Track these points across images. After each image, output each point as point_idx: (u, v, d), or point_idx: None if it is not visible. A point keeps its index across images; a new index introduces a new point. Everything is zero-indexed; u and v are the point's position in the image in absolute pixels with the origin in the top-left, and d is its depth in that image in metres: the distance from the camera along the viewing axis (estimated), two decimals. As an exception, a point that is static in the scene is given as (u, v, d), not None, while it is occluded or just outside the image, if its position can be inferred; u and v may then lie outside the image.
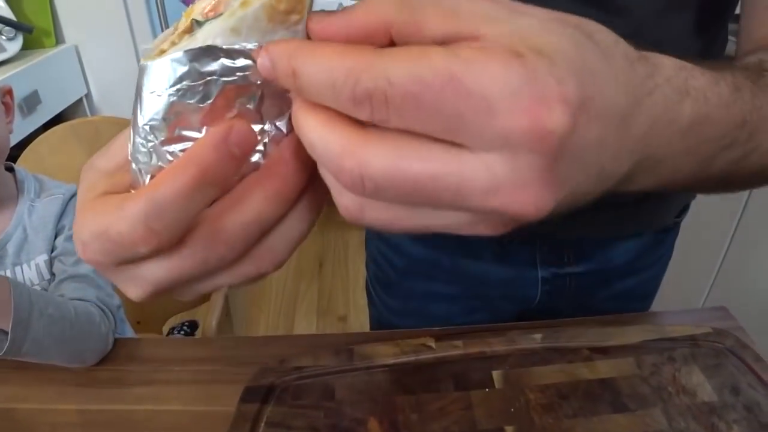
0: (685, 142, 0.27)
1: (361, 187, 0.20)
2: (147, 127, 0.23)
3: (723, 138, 0.29)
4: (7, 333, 0.54)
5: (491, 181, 0.19)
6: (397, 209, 0.21)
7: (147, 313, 1.01)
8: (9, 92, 0.70)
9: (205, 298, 0.95)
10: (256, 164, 0.24)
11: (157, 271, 0.24)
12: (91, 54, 1.76)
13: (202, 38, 0.22)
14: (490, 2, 0.20)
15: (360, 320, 1.89)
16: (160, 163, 0.23)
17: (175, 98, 0.22)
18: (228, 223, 0.22)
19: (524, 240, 0.65)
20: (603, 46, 0.21)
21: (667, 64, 0.25)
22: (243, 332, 1.06)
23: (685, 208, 0.71)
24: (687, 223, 0.73)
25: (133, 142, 0.24)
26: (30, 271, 0.68)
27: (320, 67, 0.19)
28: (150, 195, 0.21)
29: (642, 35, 0.41)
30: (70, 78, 1.73)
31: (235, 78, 0.22)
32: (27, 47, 1.62)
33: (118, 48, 1.75)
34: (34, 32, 1.65)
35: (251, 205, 0.23)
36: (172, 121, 0.22)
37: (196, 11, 0.23)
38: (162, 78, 0.22)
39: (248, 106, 0.23)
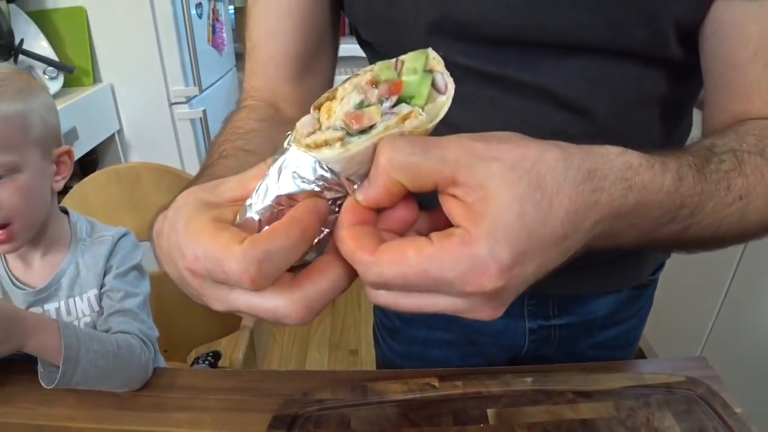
0: (628, 221, 0.35)
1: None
2: (280, 197, 0.32)
3: (663, 216, 0.38)
4: (58, 367, 0.63)
5: (457, 308, 0.31)
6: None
7: (174, 342, 1.09)
8: (69, 153, 0.79)
9: (232, 328, 1.04)
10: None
11: (242, 301, 0.32)
12: (125, 92, 1.86)
13: (349, 156, 0.30)
14: (468, 150, 0.30)
15: (370, 354, 1.95)
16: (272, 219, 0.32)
17: (309, 187, 0.31)
18: (309, 288, 0.32)
19: None
20: (549, 189, 0.30)
21: (615, 170, 0.33)
22: (260, 362, 1.14)
23: (660, 266, 0.78)
24: (685, 276, 0.80)
25: (260, 195, 0.32)
26: (82, 304, 0.77)
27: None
28: (265, 246, 0.29)
29: (608, 133, 0.50)
30: (104, 115, 1.83)
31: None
32: (67, 85, 1.73)
33: (150, 88, 1.86)
34: (74, 71, 1.77)
35: (330, 276, 0.32)
36: (297, 196, 0.32)
37: (338, 113, 0.31)
38: (307, 169, 0.31)
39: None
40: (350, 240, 0.31)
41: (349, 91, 0.32)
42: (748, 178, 0.43)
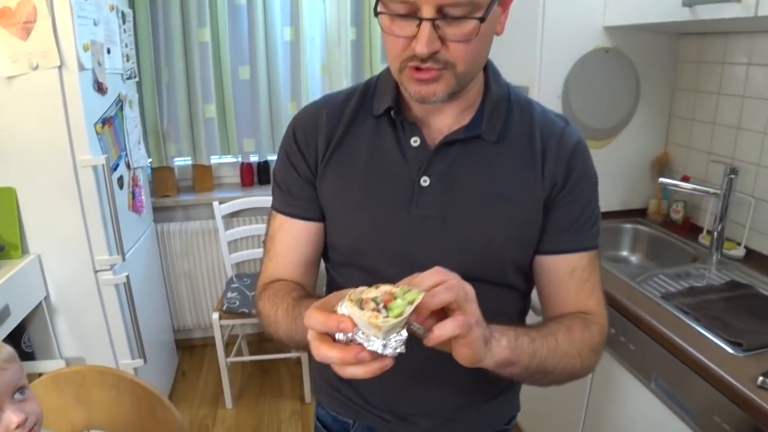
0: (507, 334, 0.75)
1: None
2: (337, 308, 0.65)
3: (519, 336, 0.78)
4: None
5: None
6: None
7: None
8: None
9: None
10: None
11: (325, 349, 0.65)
12: (52, 262, 2.03)
13: (352, 312, 0.62)
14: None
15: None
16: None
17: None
18: (326, 351, 0.65)
19: None
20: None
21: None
22: None
23: (512, 418, 1.11)
24: None
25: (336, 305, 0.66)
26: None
27: None
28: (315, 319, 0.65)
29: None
30: (33, 285, 1.98)
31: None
32: (-5, 259, 1.89)
33: (76, 257, 2.03)
34: (4, 248, 1.93)
35: (333, 353, 0.64)
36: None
37: (368, 293, 0.64)
38: (344, 308, 0.65)
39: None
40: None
41: (380, 290, 0.65)
42: (550, 328, 0.86)
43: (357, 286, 0.74)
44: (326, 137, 0.95)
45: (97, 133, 2.02)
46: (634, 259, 2.15)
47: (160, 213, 2.93)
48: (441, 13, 0.75)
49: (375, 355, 0.63)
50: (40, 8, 1.81)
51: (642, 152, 2.24)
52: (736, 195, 1.85)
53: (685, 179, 2.10)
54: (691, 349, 1.28)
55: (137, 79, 2.60)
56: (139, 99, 2.64)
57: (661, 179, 1.95)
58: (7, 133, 1.88)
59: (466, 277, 0.83)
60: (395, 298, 0.64)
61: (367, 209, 0.92)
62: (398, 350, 0.64)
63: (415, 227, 0.90)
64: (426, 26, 0.75)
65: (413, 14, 0.76)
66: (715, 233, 1.82)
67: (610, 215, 2.24)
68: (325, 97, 1.02)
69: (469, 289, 0.70)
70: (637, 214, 2.25)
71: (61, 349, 2.14)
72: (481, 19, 0.76)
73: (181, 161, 3.03)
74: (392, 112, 0.92)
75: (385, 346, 0.63)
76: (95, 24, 2.02)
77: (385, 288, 0.66)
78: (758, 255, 1.82)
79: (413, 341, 0.66)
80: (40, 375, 1.94)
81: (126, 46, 2.39)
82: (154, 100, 2.78)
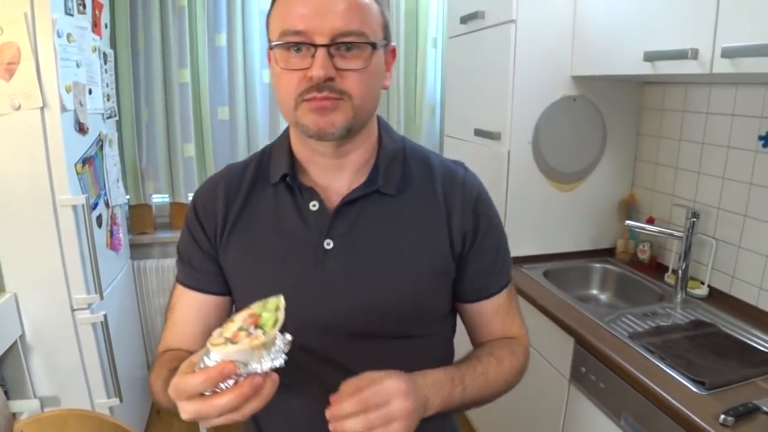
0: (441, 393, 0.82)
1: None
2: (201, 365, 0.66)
3: (453, 389, 0.85)
4: None
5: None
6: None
7: None
8: None
9: None
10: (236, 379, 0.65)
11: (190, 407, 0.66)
12: (29, 300, 2.02)
13: (228, 351, 0.64)
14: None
15: None
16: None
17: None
18: (221, 400, 0.65)
19: None
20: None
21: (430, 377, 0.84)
22: None
23: None
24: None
25: (198, 364, 0.67)
26: None
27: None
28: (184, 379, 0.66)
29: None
30: (8, 323, 1.97)
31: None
32: (-29, 300, 1.88)
33: (53, 296, 2.03)
34: (-20, 287, 1.93)
35: (230, 398, 0.64)
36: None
37: (229, 330, 0.67)
38: (212, 357, 0.65)
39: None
40: None
41: (237, 319, 0.69)
42: (483, 364, 0.94)
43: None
44: (224, 209, 0.96)
45: (78, 173, 2.04)
46: (603, 297, 2.22)
47: (137, 250, 2.93)
48: (334, 41, 0.80)
49: (263, 376, 0.66)
50: (24, 50, 1.85)
51: (609, 194, 2.33)
52: (699, 236, 1.94)
53: (650, 221, 2.19)
54: (656, 388, 1.34)
55: (117, 118, 2.63)
56: (118, 138, 2.67)
57: (628, 221, 2.04)
58: (-13, 172, 1.89)
59: (384, 336, 0.92)
60: (260, 316, 0.69)
61: (273, 278, 0.93)
62: (283, 355, 0.68)
63: (322, 291, 0.91)
64: (321, 52, 0.80)
65: (308, 43, 0.81)
66: (680, 272, 1.90)
67: (579, 255, 2.32)
68: (225, 169, 1.03)
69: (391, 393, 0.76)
70: (606, 254, 2.34)
71: (35, 388, 2.11)
72: (373, 45, 0.83)
73: (159, 198, 3.05)
74: (288, 178, 0.94)
75: (273, 359, 0.67)
76: (78, 66, 2.05)
77: (241, 315, 0.69)
78: (720, 294, 1.90)
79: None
80: (14, 415, 1.92)
81: (107, 85, 2.42)
82: (133, 138, 2.81)
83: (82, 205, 2.01)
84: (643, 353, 1.49)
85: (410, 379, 0.80)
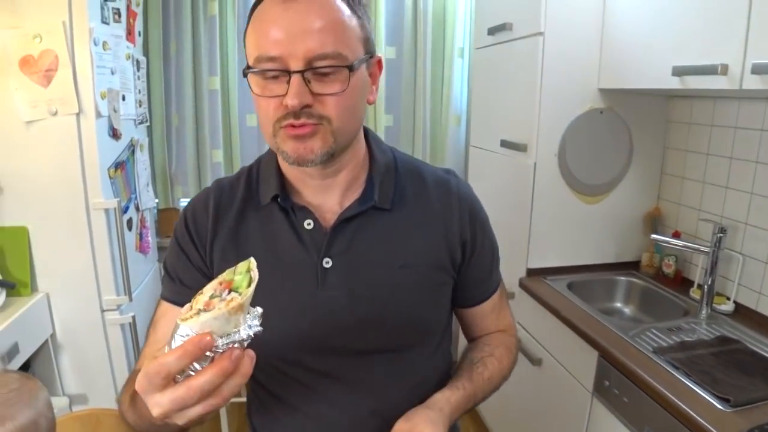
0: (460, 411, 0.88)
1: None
2: (173, 344, 0.60)
3: (468, 404, 0.91)
4: None
5: None
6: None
7: None
8: None
9: None
10: (210, 358, 0.59)
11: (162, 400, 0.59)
12: (60, 300, 2.07)
13: (203, 320, 0.58)
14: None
15: None
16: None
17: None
18: (198, 380, 0.58)
19: None
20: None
21: (439, 398, 0.90)
22: None
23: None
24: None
25: (169, 343, 0.60)
26: None
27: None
28: (164, 360, 0.58)
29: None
30: (40, 322, 2.02)
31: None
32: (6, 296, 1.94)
33: (84, 296, 2.08)
34: (15, 287, 1.98)
35: (209, 375, 0.58)
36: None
37: (200, 302, 0.61)
38: (184, 330, 0.59)
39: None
40: None
41: (207, 290, 0.64)
42: (489, 369, 0.99)
43: (276, 378, 0.87)
44: (213, 225, 0.94)
45: (110, 177, 2.09)
46: (627, 310, 2.21)
47: (165, 252, 2.97)
48: (310, 66, 0.77)
49: (242, 348, 0.61)
50: (61, 58, 1.90)
51: (635, 207, 2.32)
52: (725, 252, 1.92)
53: (676, 235, 2.17)
54: (680, 404, 1.33)
55: (148, 124, 2.69)
56: (149, 143, 2.73)
57: (653, 236, 2.03)
58: (23, 175, 1.96)
59: (386, 350, 0.94)
60: (231, 280, 0.64)
61: (272, 298, 0.87)
62: (258, 323, 0.63)
63: (324, 309, 0.90)
64: (295, 79, 0.76)
65: (283, 70, 0.77)
66: (705, 288, 1.89)
67: (603, 267, 2.31)
68: (213, 184, 1.01)
69: None
70: (631, 267, 2.32)
71: (64, 386, 2.17)
72: (350, 68, 0.79)
73: (187, 202, 3.08)
74: (279, 199, 0.92)
75: (250, 327, 0.62)
76: (112, 73, 2.11)
77: (210, 285, 0.65)
78: (747, 310, 1.88)
79: None
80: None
81: (139, 92, 2.48)
82: (163, 144, 2.88)
83: (114, 209, 2.06)
84: (668, 368, 1.49)
85: (440, 418, 0.86)
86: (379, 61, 0.91)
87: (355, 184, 0.94)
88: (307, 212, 0.92)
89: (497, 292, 1.09)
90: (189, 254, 0.95)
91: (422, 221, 0.94)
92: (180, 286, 0.95)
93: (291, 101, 0.77)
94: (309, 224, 0.91)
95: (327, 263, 0.90)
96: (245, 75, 0.82)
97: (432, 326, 0.99)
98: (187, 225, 0.97)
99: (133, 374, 0.87)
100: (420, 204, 0.95)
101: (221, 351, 0.60)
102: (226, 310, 0.59)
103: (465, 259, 0.98)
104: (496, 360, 1.02)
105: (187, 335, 0.59)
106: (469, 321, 1.10)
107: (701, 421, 1.27)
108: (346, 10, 0.80)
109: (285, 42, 0.76)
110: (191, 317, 0.59)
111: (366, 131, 0.98)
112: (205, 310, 0.60)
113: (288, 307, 0.90)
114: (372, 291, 0.91)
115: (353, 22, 0.81)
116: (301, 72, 0.77)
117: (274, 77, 0.79)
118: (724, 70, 1.48)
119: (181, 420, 0.62)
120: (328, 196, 0.93)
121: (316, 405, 0.93)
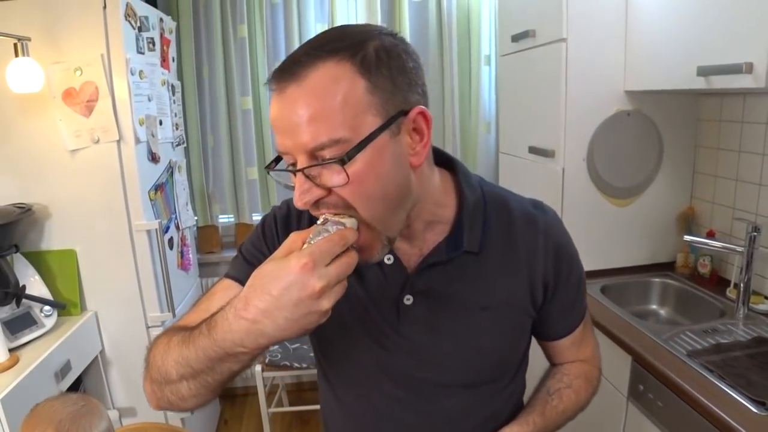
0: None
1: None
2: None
3: None
4: None
5: None
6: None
7: None
8: None
9: None
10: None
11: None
12: (108, 318, 2.18)
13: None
14: None
15: None
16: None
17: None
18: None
19: None
20: None
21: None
22: None
23: None
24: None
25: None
26: None
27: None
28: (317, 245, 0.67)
29: None
30: (90, 340, 2.13)
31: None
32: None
33: (130, 314, 2.18)
34: (66, 307, 2.09)
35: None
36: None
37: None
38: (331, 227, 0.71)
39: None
40: None
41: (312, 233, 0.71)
42: (564, 402, 1.00)
43: (353, 399, 0.94)
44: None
45: (151, 200, 2.19)
46: (662, 312, 2.19)
47: (205, 268, 3.09)
48: (314, 158, 0.71)
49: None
50: (101, 88, 2.00)
51: (668, 207, 2.30)
52: (761, 250, 1.90)
53: (711, 234, 2.15)
54: (715, 408, 1.33)
55: (185, 145, 2.79)
56: (186, 163, 2.83)
57: (687, 237, 2.01)
58: (70, 201, 2.07)
59: (463, 386, 0.94)
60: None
61: (352, 324, 0.92)
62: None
63: (404, 344, 0.91)
64: (297, 178, 0.72)
65: (293, 164, 0.73)
66: (741, 287, 1.87)
67: (637, 269, 2.30)
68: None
69: None
70: (665, 268, 2.30)
71: (114, 400, 2.27)
72: (341, 161, 0.69)
73: (225, 219, 3.20)
74: None
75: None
76: (149, 100, 2.21)
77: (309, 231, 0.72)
78: (786, 309, 1.86)
79: None
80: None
81: (175, 115, 2.58)
82: (200, 164, 2.97)
83: (156, 230, 2.15)
84: (702, 372, 1.48)
85: None
86: (423, 113, 0.77)
87: (437, 225, 0.90)
88: None
89: (580, 326, 1.05)
90: (271, 248, 0.92)
91: (507, 263, 0.91)
92: (251, 268, 0.88)
93: (296, 204, 0.74)
94: (389, 259, 0.89)
95: (408, 300, 0.90)
96: (268, 173, 0.82)
97: (509, 363, 0.99)
98: (276, 222, 0.97)
99: (170, 330, 0.84)
100: (506, 245, 0.92)
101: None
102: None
103: (546, 298, 0.96)
104: (573, 393, 1.02)
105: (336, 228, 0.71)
106: (549, 351, 1.09)
107: (735, 425, 1.26)
108: (343, 84, 0.69)
109: (284, 138, 0.72)
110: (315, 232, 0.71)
111: (453, 165, 0.93)
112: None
113: (367, 335, 0.92)
114: (452, 331, 0.90)
115: (355, 93, 0.69)
116: (302, 169, 0.71)
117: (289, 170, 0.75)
118: (749, 68, 1.47)
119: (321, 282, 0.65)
120: (406, 241, 0.90)
121: (387, 429, 0.97)
